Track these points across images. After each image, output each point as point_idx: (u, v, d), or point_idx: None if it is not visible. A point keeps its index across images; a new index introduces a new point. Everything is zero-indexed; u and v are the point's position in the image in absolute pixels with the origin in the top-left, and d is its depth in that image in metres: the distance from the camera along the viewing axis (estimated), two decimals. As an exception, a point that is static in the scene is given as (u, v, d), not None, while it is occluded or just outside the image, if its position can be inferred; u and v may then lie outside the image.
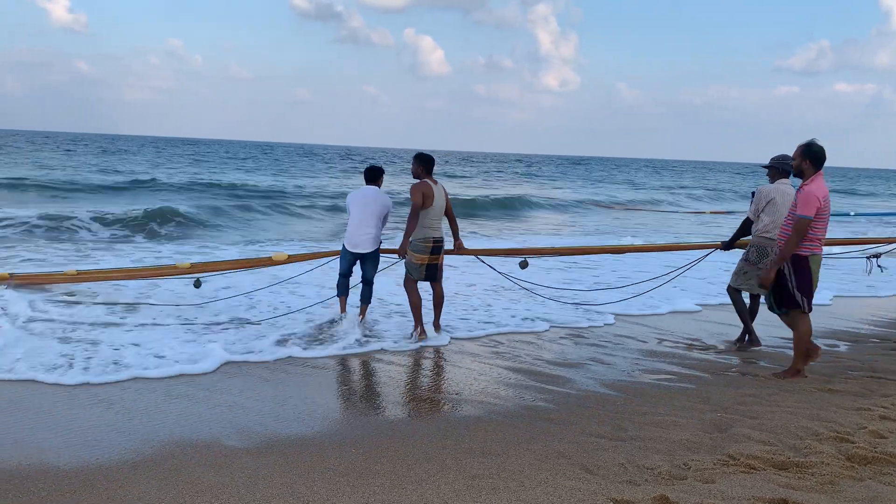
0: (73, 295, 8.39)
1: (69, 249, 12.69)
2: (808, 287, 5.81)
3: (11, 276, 8.78)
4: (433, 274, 7.20)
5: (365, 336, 7.17)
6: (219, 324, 7.52)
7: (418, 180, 7.09)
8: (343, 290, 7.75)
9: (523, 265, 8.09)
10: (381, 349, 6.81)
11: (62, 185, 25.82)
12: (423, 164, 7.17)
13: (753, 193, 7.12)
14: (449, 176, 45.43)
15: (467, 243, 8.00)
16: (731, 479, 3.79)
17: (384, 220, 7.62)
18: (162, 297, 8.62)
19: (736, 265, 7.18)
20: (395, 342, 7.01)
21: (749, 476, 3.84)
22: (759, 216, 6.91)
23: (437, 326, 7.42)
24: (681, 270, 8.21)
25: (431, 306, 7.40)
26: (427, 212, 7.00)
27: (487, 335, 7.51)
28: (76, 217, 16.28)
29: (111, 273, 9.12)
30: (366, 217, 7.45)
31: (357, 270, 7.67)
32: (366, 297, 7.69)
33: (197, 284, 8.22)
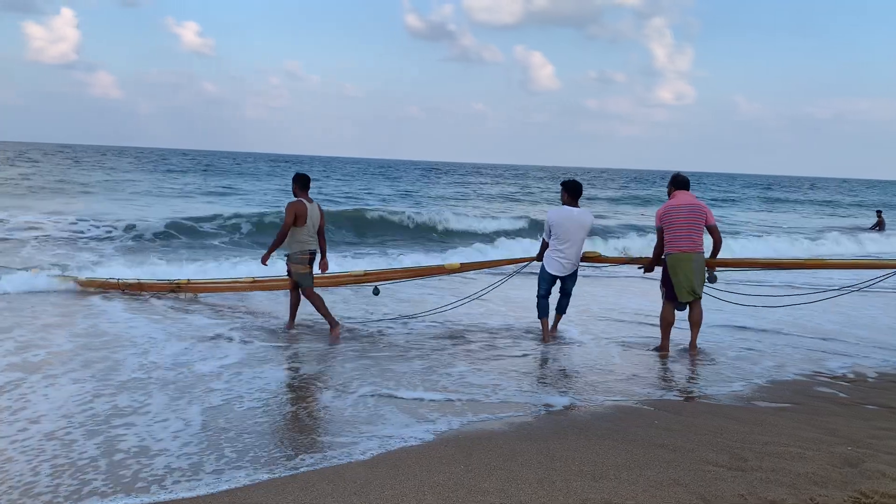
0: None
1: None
2: None
3: (188, 282, 9.48)
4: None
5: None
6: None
7: (294, 198, 7.68)
8: (544, 311, 7.88)
9: (375, 292, 8.66)
10: (498, 354, 6.82)
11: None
12: (298, 183, 7.79)
13: None
14: (591, 199, 41.72)
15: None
16: (863, 519, 3.55)
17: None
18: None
19: None
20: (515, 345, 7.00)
21: (884, 517, 3.59)
22: None
23: (334, 333, 7.71)
24: (848, 289, 8.08)
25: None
26: (302, 228, 7.57)
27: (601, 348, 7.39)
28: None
29: (284, 282, 9.59)
30: (576, 238, 7.62)
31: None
32: (563, 308, 8.05)
33: (375, 292, 8.64)
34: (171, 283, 9.60)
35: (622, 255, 8.42)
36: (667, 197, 7.52)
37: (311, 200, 7.77)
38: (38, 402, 5.35)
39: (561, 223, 7.57)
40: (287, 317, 8.22)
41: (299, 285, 7.85)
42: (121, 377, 6.03)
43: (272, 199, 30.74)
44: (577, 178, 7.96)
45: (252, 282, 9.42)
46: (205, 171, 51.71)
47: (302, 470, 4.22)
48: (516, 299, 9.85)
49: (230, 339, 7.47)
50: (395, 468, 4.23)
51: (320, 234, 7.93)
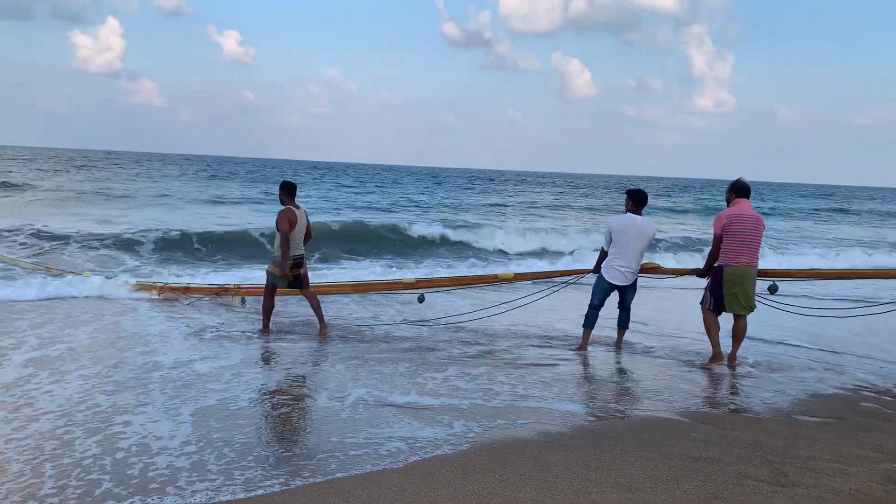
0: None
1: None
2: None
3: (237, 288, 9.74)
4: (298, 283, 8.16)
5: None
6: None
7: (283, 207, 7.96)
8: (591, 322, 7.74)
9: (420, 300, 8.70)
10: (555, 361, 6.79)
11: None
12: (286, 191, 8.10)
13: None
14: (660, 210, 40.11)
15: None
16: (909, 539, 3.46)
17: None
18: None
19: None
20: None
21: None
22: None
23: (265, 334, 8.05)
24: None
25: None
26: (291, 234, 7.87)
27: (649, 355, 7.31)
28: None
29: (342, 287, 9.77)
30: (637, 247, 7.48)
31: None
32: (624, 323, 7.86)
33: (421, 299, 8.73)
34: (220, 287, 9.93)
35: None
36: (725, 204, 7.31)
37: (298, 207, 8.10)
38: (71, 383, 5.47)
39: (623, 230, 7.45)
40: (294, 320, 8.61)
41: (271, 282, 8.16)
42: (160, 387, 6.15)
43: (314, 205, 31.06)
44: (641, 188, 7.75)
45: (333, 286, 9.80)
46: (252, 179, 52.45)
47: (337, 476, 4.24)
48: (563, 309, 9.82)
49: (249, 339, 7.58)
50: (430, 476, 4.24)
51: (308, 237, 8.25)
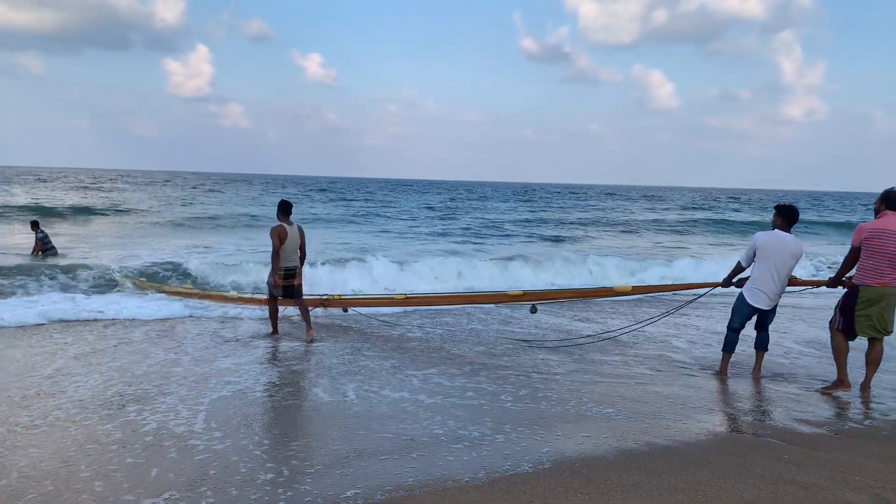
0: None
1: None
2: None
3: (338, 298, 9.95)
4: (290, 292, 8.92)
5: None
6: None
7: (277, 223, 8.75)
8: (731, 345, 7.33)
9: (533, 310, 8.63)
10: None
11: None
12: (282, 209, 8.85)
13: None
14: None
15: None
16: None
17: None
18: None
19: None
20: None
21: None
22: None
23: (274, 335, 8.83)
24: None
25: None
26: (283, 248, 8.68)
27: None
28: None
29: (449, 298, 9.93)
30: (785, 268, 6.96)
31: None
32: (763, 345, 7.37)
33: (533, 310, 8.75)
34: (324, 298, 10.12)
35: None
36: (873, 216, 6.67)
37: (291, 223, 8.87)
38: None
39: (770, 248, 6.91)
40: (304, 324, 8.95)
41: (270, 291, 8.95)
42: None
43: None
44: (793, 204, 7.21)
45: (405, 298, 9.77)
46: (342, 199, 53.97)
47: (416, 493, 4.25)
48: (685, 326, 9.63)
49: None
50: (509, 493, 4.20)
51: (301, 250, 8.98)
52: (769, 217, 8.76)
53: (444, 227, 31.16)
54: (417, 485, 4.35)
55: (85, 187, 57.78)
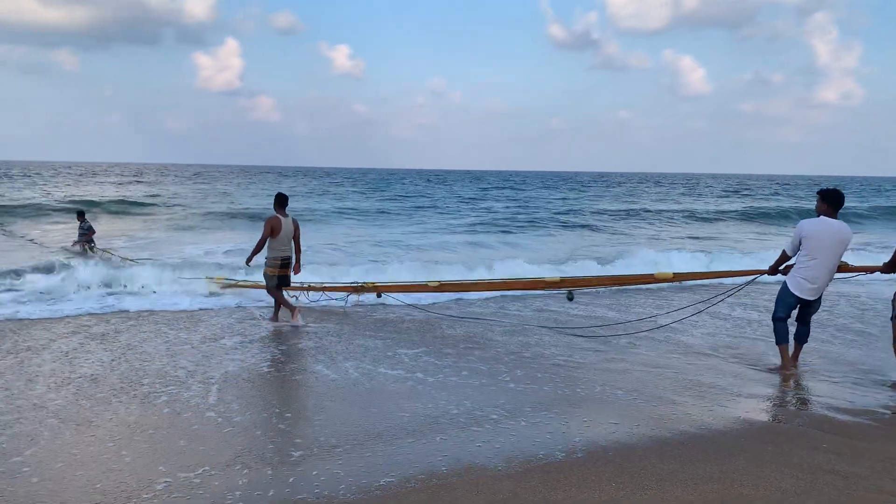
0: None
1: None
2: None
3: (440, 284, 9.88)
4: (285, 281, 9.41)
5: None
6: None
7: (272, 215, 9.25)
8: (783, 336, 7.06)
9: (569, 297, 8.55)
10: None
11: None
12: (277, 201, 9.35)
13: None
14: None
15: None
16: None
17: None
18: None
19: None
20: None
21: None
22: None
23: (294, 317, 9.04)
24: None
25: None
26: (277, 239, 9.18)
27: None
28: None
29: (483, 284, 9.84)
30: (832, 256, 6.68)
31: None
32: (803, 337, 7.16)
33: (570, 297, 8.68)
34: (357, 285, 10.24)
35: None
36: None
37: (286, 215, 9.33)
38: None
39: (816, 236, 6.63)
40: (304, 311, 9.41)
41: (267, 284, 9.38)
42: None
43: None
44: (838, 188, 6.89)
45: (439, 284, 9.75)
46: (384, 190, 54.20)
47: (451, 481, 4.27)
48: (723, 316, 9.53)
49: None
50: (543, 483, 4.21)
51: (296, 241, 9.46)
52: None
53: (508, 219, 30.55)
54: (450, 473, 4.37)
55: (138, 181, 59.28)
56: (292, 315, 9.07)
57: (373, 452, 4.71)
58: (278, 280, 9.33)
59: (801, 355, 7.22)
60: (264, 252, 9.31)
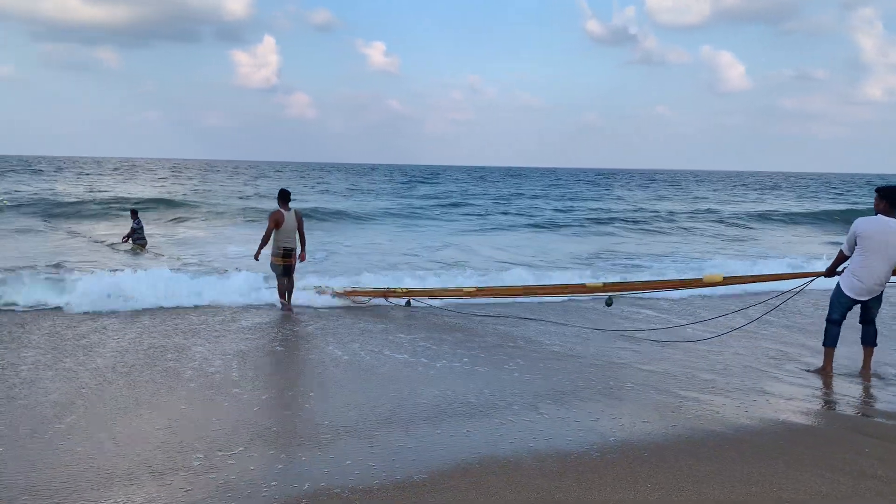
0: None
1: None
2: None
3: (478, 290, 9.72)
4: (288, 271, 10.04)
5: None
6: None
7: (276, 209, 9.97)
8: (833, 339, 6.84)
9: (608, 303, 8.35)
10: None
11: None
12: (281, 196, 10.04)
13: None
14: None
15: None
16: None
17: None
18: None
19: None
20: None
21: None
22: None
23: (286, 311, 9.71)
24: None
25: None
26: (281, 231, 9.88)
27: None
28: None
29: (551, 288, 9.68)
30: (890, 256, 6.47)
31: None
32: (871, 339, 6.91)
33: (609, 303, 8.52)
34: (387, 290, 10.36)
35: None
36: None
37: (289, 209, 10.03)
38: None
39: (872, 235, 6.43)
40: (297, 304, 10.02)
41: (275, 273, 10.02)
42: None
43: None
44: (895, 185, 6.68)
45: (475, 290, 9.62)
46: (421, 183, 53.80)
47: (486, 479, 4.26)
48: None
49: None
50: (578, 482, 4.18)
51: (300, 232, 10.14)
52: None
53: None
54: (484, 471, 4.36)
55: (175, 176, 60.24)
56: (284, 306, 9.91)
57: (401, 442, 4.73)
58: (283, 270, 9.96)
59: (869, 360, 6.89)
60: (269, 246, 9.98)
